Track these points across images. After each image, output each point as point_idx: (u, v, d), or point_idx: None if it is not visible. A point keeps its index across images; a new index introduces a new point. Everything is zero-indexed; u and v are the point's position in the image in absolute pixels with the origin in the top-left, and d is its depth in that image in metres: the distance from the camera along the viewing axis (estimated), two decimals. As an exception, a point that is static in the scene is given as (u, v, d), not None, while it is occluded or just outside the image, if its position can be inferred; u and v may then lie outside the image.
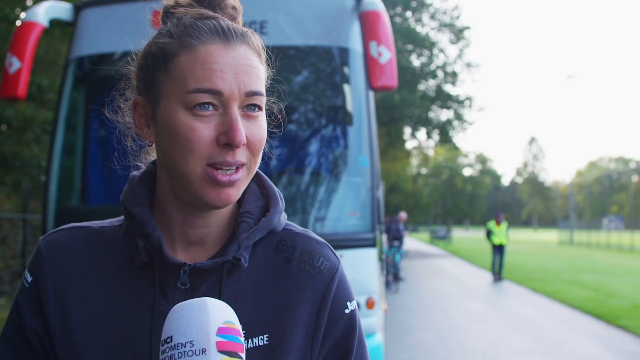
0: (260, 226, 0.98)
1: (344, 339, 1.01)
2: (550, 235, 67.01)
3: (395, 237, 16.68)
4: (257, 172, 1.03)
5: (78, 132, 4.51)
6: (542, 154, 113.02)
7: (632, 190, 46.55)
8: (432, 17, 27.61)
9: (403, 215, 20.31)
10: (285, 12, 4.18)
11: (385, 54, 3.91)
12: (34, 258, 1.01)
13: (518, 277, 18.07)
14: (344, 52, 4.24)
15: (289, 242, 1.02)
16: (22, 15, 5.23)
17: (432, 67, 26.40)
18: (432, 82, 26.61)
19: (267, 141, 0.97)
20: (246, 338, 0.94)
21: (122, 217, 1.03)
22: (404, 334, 9.09)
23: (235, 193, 0.92)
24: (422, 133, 29.52)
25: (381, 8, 4.02)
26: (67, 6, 4.46)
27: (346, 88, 4.38)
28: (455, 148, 41.06)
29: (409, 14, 27.42)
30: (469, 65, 28.04)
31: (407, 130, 29.69)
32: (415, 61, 25.98)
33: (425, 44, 25.27)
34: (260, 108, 0.93)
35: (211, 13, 0.94)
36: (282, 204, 1.03)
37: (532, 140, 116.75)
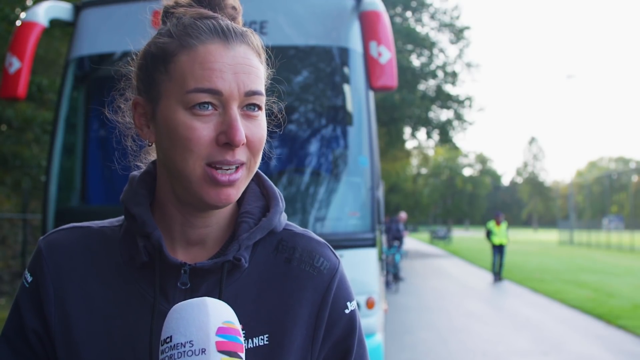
0: (261, 226, 0.98)
1: (344, 339, 1.01)
2: (550, 235, 67.02)
3: (395, 237, 16.68)
4: (257, 172, 1.03)
5: (78, 132, 4.51)
6: (542, 154, 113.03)
7: (632, 190, 46.56)
8: (432, 17, 27.61)
9: (403, 215, 20.31)
10: (285, 12, 4.18)
11: (385, 54, 3.91)
12: (34, 258, 1.01)
13: (518, 277, 18.07)
14: (344, 52, 4.24)
15: (289, 242, 1.02)
16: (22, 15, 5.23)
17: (432, 67, 26.40)
18: (432, 82, 26.62)
19: (267, 141, 0.98)
20: (246, 338, 0.94)
21: (122, 217, 1.03)
22: (404, 334, 9.09)
23: (235, 193, 0.92)
24: (422, 133, 29.54)
25: (381, 8, 4.02)
26: (67, 6, 4.46)
27: (346, 88, 4.38)
28: (455, 148, 41.07)
29: (409, 14, 27.42)
30: (469, 65, 28.05)
31: (407, 130, 29.69)
32: (415, 61, 25.99)
33: (425, 44, 25.27)
34: (259, 108, 0.93)
35: (211, 13, 0.94)
36: (282, 204, 1.03)
37: (532, 140, 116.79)
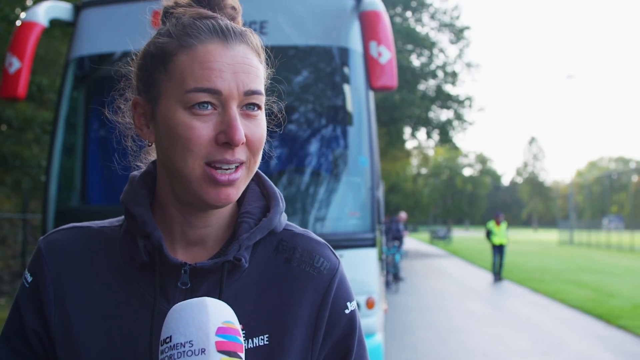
0: (261, 226, 0.98)
1: (344, 339, 1.01)
2: (550, 235, 67.02)
3: (395, 237, 16.68)
4: (257, 172, 1.03)
5: (78, 132, 4.51)
6: (542, 154, 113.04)
7: (632, 190, 46.56)
8: (432, 17, 27.61)
9: (403, 215, 20.31)
10: (285, 12, 4.18)
11: (385, 54, 3.91)
12: (34, 258, 1.01)
13: (518, 277, 18.07)
14: (344, 52, 4.24)
15: (289, 242, 1.02)
16: (22, 15, 5.23)
17: (432, 67, 26.40)
18: (432, 82, 26.62)
19: (267, 141, 0.98)
20: (246, 338, 0.94)
21: (122, 217, 1.03)
22: (404, 334, 9.09)
23: (235, 193, 0.92)
24: (422, 133, 29.55)
25: (381, 8, 4.02)
26: (67, 6, 4.46)
27: (346, 88, 4.38)
28: (455, 148, 41.05)
29: (409, 14, 27.42)
30: (469, 65, 28.05)
31: (407, 130, 29.70)
32: (415, 61, 25.99)
33: (425, 44, 25.27)
34: (259, 107, 0.93)
35: (210, 13, 0.94)
36: (282, 204, 1.03)
37: (532, 140, 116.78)
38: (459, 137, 51.46)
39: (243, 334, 0.93)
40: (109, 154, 4.10)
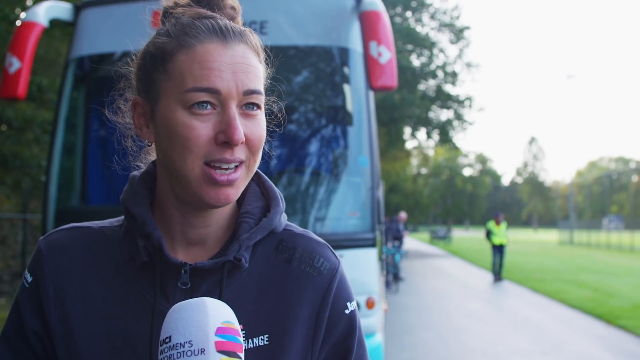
0: (261, 227, 0.98)
1: (344, 339, 1.01)
2: (550, 235, 67.02)
3: (395, 237, 16.68)
4: (257, 173, 1.04)
5: (78, 132, 4.51)
6: (542, 154, 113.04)
7: (632, 190, 46.56)
8: (432, 17, 27.62)
9: (403, 215, 20.32)
10: (285, 12, 4.18)
11: (385, 54, 3.91)
12: (34, 258, 1.00)
13: (518, 277, 18.07)
14: (344, 52, 4.24)
15: (289, 242, 1.02)
16: (22, 15, 5.23)
17: (432, 67, 26.41)
18: (432, 82, 26.62)
19: (267, 141, 0.98)
20: (246, 338, 0.94)
21: (122, 217, 1.03)
22: (404, 334, 9.09)
23: (235, 192, 0.92)
24: (422, 133, 29.55)
25: (381, 8, 4.02)
26: (67, 6, 4.46)
27: (346, 88, 4.38)
28: (455, 148, 41.06)
29: (409, 14, 27.43)
30: (469, 65, 28.06)
31: (407, 130, 29.70)
32: (415, 61, 25.99)
33: (425, 44, 25.28)
34: (258, 107, 0.93)
35: (209, 12, 0.94)
36: (282, 204, 1.03)
37: (532, 140, 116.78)
38: (459, 137, 51.51)
39: (243, 334, 0.93)
40: (109, 154, 4.10)
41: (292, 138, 4.29)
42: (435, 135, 28.81)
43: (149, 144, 1.00)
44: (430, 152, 66.92)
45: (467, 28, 27.96)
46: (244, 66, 0.90)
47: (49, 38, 11.25)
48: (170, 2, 0.97)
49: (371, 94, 4.39)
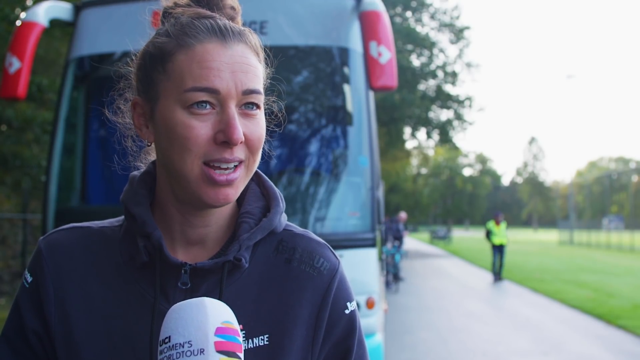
0: (261, 227, 0.98)
1: (344, 339, 1.01)
2: (550, 235, 67.02)
3: (395, 237, 16.68)
4: (257, 173, 1.04)
5: (78, 132, 4.51)
6: (542, 154, 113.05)
7: (632, 190, 46.55)
8: (432, 17, 27.62)
9: (403, 215, 20.32)
10: (285, 12, 4.18)
11: (385, 54, 3.91)
12: (34, 258, 1.00)
13: (518, 277, 18.07)
14: (344, 52, 4.24)
15: (289, 242, 1.02)
16: (22, 15, 5.23)
17: (432, 67, 26.42)
18: (432, 82, 26.63)
19: (267, 141, 0.97)
20: (246, 338, 0.94)
21: (122, 217, 1.03)
22: (404, 334, 9.09)
23: (234, 192, 0.92)
24: (422, 133, 29.56)
25: (381, 8, 4.02)
26: (67, 6, 4.46)
27: (346, 88, 4.38)
28: (455, 148, 41.07)
29: (409, 14, 27.43)
30: (469, 65, 28.06)
31: (407, 130, 29.70)
32: (415, 61, 25.99)
33: (425, 44, 25.28)
34: (258, 106, 0.93)
35: (208, 12, 0.94)
36: (282, 204, 1.03)
37: (532, 140, 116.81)
38: (459, 137, 51.53)
39: (243, 334, 0.93)
40: (109, 154, 4.10)
41: (292, 138, 4.29)
42: (435, 135, 28.82)
43: (149, 144, 0.99)
44: (430, 152, 66.97)
45: (467, 28, 27.97)
46: (243, 66, 0.90)
47: (49, 38, 11.25)
48: (169, 2, 0.97)
49: (371, 94, 4.39)
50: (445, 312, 11.66)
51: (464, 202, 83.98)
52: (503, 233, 17.19)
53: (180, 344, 0.79)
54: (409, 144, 39.01)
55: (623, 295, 13.62)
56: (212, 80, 0.88)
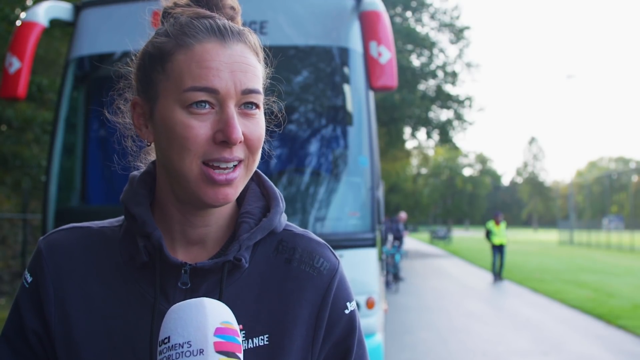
0: (261, 227, 0.98)
1: (343, 339, 1.01)
2: (550, 235, 67.02)
3: (396, 237, 16.69)
4: (257, 173, 1.04)
5: (78, 132, 4.51)
6: (542, 154, 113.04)
7: (632, 190, 46.55)
8: (432, 17, 27.62)
9: (403, 215, 20.32)
10: (285, 12, 4.18)
11: (385, 54, 3.91)
12: (34, 258, 1.00)
13: (518, 277, 18.07)
14: (344, 52, 4.24)
15: (289, 242, 1.02)
16: (22, 15, 5.23)
17: (432, 67, 26.41)
18: (432, 82, 26.63)
19: (267, 141, 0.97)
20: (246, 338, 0.94)
21: (122, 217, 1.03)
22: (404, 334, 9.09)
23: (233, 192, 0.92)
24: (422, 133, 29.56)
25: (381, 8, 4.02)
26: (67, 6, 4.46)
27: (346, 88, 4.38)
28: (455, 148, 41.07)
29: (409, 14, 27.43)
30: (469, 65, 28.06)
31: (407, 130, 29.70)
32: (415, 61, 25.99)
33: (425, 44, 25.28)
34: (257, 106, 0.93)
35: (208, 12, 0.94)
36: (282, 204, 1.03)
37: (532, 140, 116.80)
38: (459, 137, 51.54)
39: (243, 334, 0.93)
40: (109, 154, 4.11)
41: (292, 138, 4.29)
42: (435, 135, 28.82)
43: (149, 143, 1.00)
44: (430, 152, 66.96)
45: (467, 28, 27.97)
46: (242, 65, 0.90)
47: (49, 38, 11.25)
48: (169, 2, 0.97)
49: (371, 94, 4.39)
50: (445, 312, 11.66)
51: (464, 202, 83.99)
52: (503, 233, 17.19)
53: (179, 344, 0.79)
54: (409, 144, 39.06)
55: (623, 295, 13.62)
56: (211, 80, 0.88)
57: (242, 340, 0.92)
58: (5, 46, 8.04)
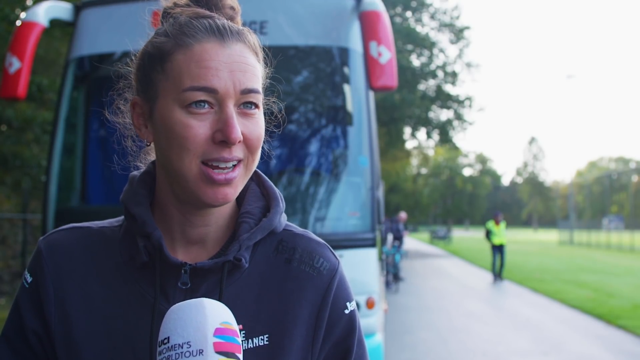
0: (261, 227, 0.98)
1: (343, 339, 1.01)
2: (550, 235, 67.01)
3: (395, 237, 16.69)
4: (257, 173, 1.04)
5: (78, 132, 4.51)
6: (542, 154, 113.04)
7: (632, 190, 46.55)
8: (432, 17, 27.62)
9: (403, 215, 20.32)
10: (285, 12, 4.18)
11: (385, 54, 3.91)
12: (34, 258, 1.00)
13: (518, 277, 18.07)
14: (344, 52, 4.24)
15: (289, 242, 1.02)
16: (22, 15, 5.23)
17: (432, 67, 26.41)
18: (432, 82, 26.62)
19: (267, 141, 0.97)
20: (246, 338, 0.94)
21: (122, 217, 1.03)
22: (404, 334, 9.09)
23: (233, 192, 0.92)
24: (422, 133, 29.55)
25: (381, 8, 4.02)
26: (67, 6, 4.46)
27: (346, 88, 4.38)
28: (455, 148, 41.06)
29: (409, 14, 27.42)
30: (469, 65, 28.06)
31: (407, 130, 29.70)
32: (415, 61, 25.99)
33: (425, 44, 25.27)
34: (256, 106, 0.93)
35: (207, 12, 0.95)
36: (282, 204, 1.03)
37: (532, 140, 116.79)
38: (459, 137, 51.54)
39: (243, 334, 0.93)
40: (109, 154, 4.11)
41: (292, 138, 4.29)
42: (435, 135, 28.82)
43: (148, 143, 1.00)
44: (430, 152, 66.98)
45: (467, 28, 27.97)
46: (241, 65, 0.90)
47: (49, 38, 11.25)
48: (169, 2, 0.97)
49: (371, 94, 4.39)
50: (445, 312, 11.66)
51: (464, 202, 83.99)
52: (503, 233, 17.19)
53: (179, 344, 0.79)
54: (409, 144, 39.06)
55: (623, 295, 13.62)
56: (210, 80, 0.88)
57: (242, 340, 0.92)
58: (5, 46, 8.04)
